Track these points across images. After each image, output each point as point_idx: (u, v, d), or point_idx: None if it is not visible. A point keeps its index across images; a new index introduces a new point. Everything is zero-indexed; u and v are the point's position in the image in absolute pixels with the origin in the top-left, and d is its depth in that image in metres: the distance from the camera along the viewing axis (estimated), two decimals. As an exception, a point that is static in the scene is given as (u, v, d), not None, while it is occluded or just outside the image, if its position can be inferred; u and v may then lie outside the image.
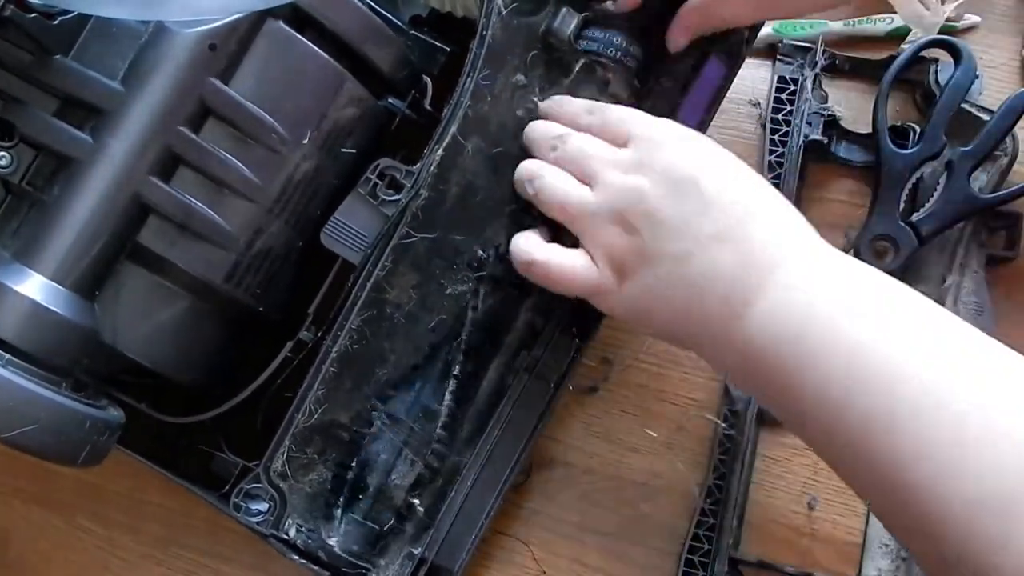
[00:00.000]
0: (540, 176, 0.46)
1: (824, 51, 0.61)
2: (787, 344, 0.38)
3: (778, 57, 0.62)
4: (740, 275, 0.40)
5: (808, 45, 0.62)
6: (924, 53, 0.59)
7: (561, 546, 0.55)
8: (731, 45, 0.52)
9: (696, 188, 0.41)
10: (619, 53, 0.50)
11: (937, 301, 0.54)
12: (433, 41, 0.53)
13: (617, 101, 0.51)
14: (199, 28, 0.42)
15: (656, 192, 0.42)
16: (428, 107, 0.51)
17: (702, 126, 0.53)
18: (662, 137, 0.44)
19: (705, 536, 0.53)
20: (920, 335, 0.36)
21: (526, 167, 0.48)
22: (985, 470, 0.32)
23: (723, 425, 0.55)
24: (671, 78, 0.52)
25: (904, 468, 0.33)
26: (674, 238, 0.41)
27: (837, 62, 0.62)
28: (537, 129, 0.48)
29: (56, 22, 0.41)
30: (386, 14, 0.51)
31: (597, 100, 0.52)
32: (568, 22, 0.51)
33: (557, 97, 0.50)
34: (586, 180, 0.45)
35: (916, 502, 0.33)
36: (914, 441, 0.33)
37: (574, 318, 0.51)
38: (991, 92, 0.60)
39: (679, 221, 0.41)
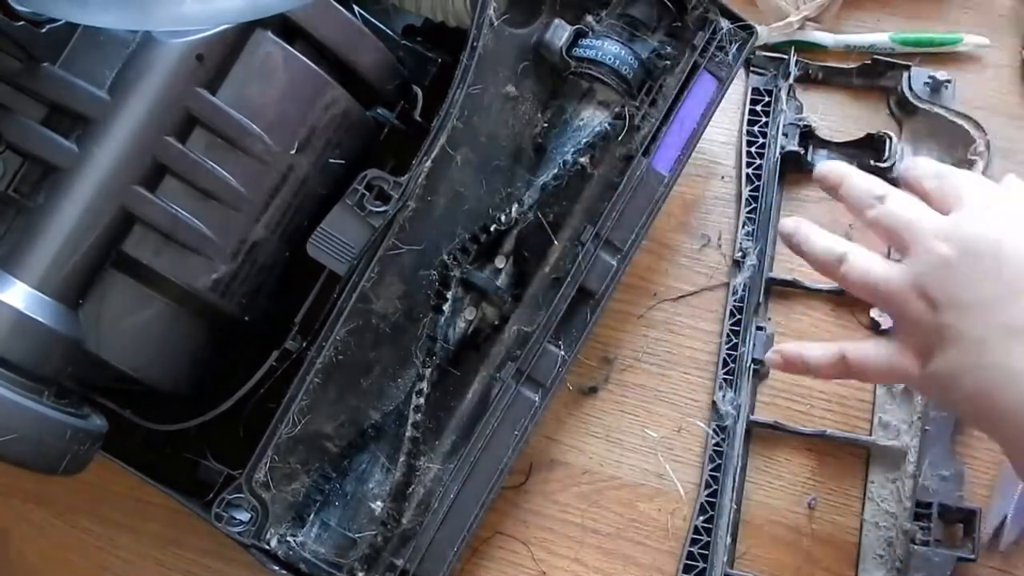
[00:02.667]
0: (845, 258, 0.43)
1: (797, 61, 0.60)
2: None
3: (752, 69, 0.61)
4: None
5: (780, 56, 0.61)
6: (897, 60, 0.59)
7: (561, 546, 0.55)
8: (723, 60, 0.52)
9: (996, 264, 0.37)
10: (614, 62, 0.50)
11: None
12: (425, 51, 0.53)
13: (609, 111, 0.51)
14: (186, 39, 0.42)
15: (960, 264, 0.38)
16: (418, 118, 0.51)
17: (692, 139, 0.52)
18: (988, 202, 0.40)
19: (699, 554, 0.53)
20: None
21: (830, 245, 0.44)
22: None
23: (712, 440, 0.55)
24: (663, 91, 0.52)
25: None
26: (969, 321, 0.38)
27: (810, 71, 0.61)
28: (858, 185, 0.44)
29: (44, 30, 0.41)
30: (378, 24, 0.51)
31: (589, 111, 0.52)
32: (560, 34, 0.51)
33: (914, 159, 0.47)
34: (900, 248, 0.41)
35: None
36: None
37: (561, 327, 0.51)
38: (992, 92, 0.60)
39: (975, 301, 0.38)
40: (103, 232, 0.42)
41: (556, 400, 0.57)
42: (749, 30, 0.53)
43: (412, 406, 0.48)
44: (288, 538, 0.47)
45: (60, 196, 0.41)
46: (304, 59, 0.45)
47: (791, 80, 0.59)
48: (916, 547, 0.51)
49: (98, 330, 0.43)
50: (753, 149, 0.59)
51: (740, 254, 0.57)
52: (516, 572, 0.55)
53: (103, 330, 0.43)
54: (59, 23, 0.41)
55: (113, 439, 0.47)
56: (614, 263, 0.51)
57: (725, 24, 0.52)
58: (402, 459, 0.49)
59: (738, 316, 0.56)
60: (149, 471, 0.49)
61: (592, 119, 0.51)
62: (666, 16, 0.52)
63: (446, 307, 0.49)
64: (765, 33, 0.60)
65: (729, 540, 0.53)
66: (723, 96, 0.53)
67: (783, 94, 0.59)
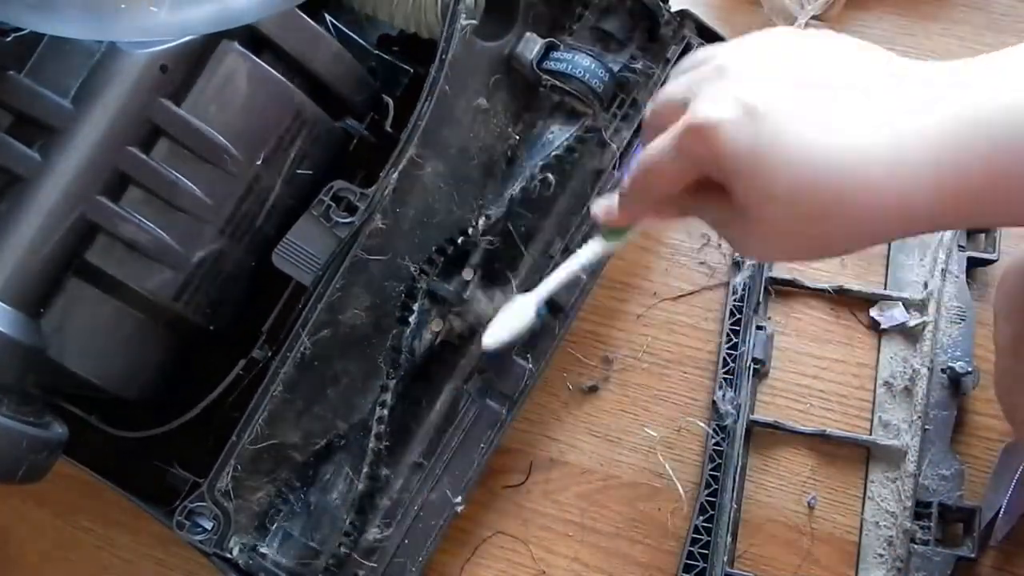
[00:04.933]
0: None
1: None
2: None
3: None
4: None
5: None
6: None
7: (561, 546, 0.55)
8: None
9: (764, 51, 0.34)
10: (585, 76, 0.50)
11: (919, 307, 0.55)
12: (397, 62, 0.53)
13: (580, 125, 0.51)
14: (151, 49, 0.42)
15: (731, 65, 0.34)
16: (389, 129, 0.51)
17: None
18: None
19: (699, 554, 0.53)
20: None
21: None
22: None
23: (712, 440, 0.55)
24: (634, 105, 0.52)
25: None
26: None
27: None
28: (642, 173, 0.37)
29: (9, 39, 0.41)
30: (350, 34, 0.52)
31: (562, 125, 0.52)
32: (531, 47, 0.51)
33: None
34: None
35: None
36: None
37: (529, 341, 0.51)
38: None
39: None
40: (65, 241, 0.42)
41: (556, 400, 0.57)
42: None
43: (376, 417, 0.48)
44: (251, 547, 0.47)
45: (22, 205, 0.41)
46: (271, 70, 0.45)
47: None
48: (916, 546, 0.51)
49: (61, 338, 0.43)
50: None
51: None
52: (516, 571, 0.55)
53: (66, 338, 0.44)
54: (25, 32, 0.41)
55: (82, 446, 0.47)
56: (584, 277, 0.51)
57: (696, 42, 0.51)
58: (366, 470, 0.49)
59: (738, 315, 0.57)
60: (118, 477, 0.49)
61: (562, 132, 0.51)
62: (639, 30, 0.52)
63: (412, 319, 0.49)
64: None
65: (729, 539, 0.53)
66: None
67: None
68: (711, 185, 0.34)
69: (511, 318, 0.40)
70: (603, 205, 0.39)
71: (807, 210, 0.31)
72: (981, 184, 0.31)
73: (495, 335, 0.40)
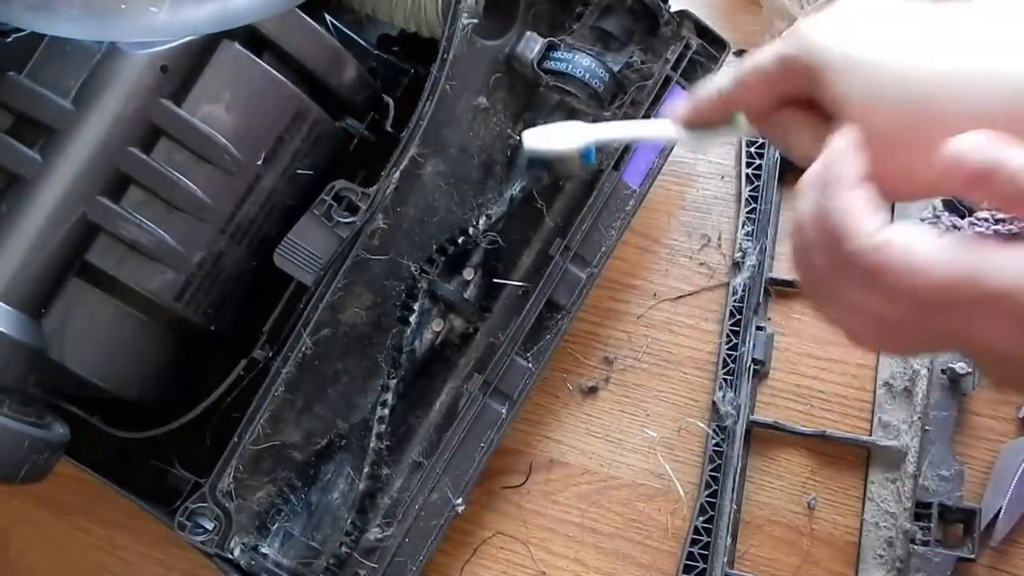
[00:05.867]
0: None
1: None
2: None
3: None
4: None
5: None
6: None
7: (560, 546, 0.55)
8: (695, 74, 0.52)
9: None
10: (585, 75, 0.50)
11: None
12: (398, 62, 0.53)
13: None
14: (151, 49, 0.42)
15: None
16: (389, 128, 0.51)
17: (663, 154, 0.52)
18: None
19: (699, 554, 0.53)
20: None
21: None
22: None
23: (712, 441, 0.55)
24: (634, 105, 0.52)
25: None
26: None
27: None
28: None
29: (10, 39, 0.41)
30: (350, 34, 0.52)
31: (561, 122, 0.52)
32: (532, 46, 0.51)
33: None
34: None
35: None
36: None
37: (529, 340, 0.51)
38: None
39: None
40: (66, 242, 0.42)
41: (556, 400, 0.57)
42: (722, 44, 0.53)
43: (376, 417, 0.48)
44: (252, 547, 0.47)
45: (23, 206, 0.41)
46: (271, 71, 0.45)
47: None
48: (916, 547, 0.51)
49: (62, 339, 0.43)
50: (753, 149, 0.59)
51: (740, 254, 0.57)
52: (516, 572, 0.55)
53: (67, 339, 0.44)
54: (25, 32, 0.41)
55: (83, 446, 0.47)
56: (583, 276, 0.51)
57: (695, 43, 0.51)
58: (367, 470, 0.49)
59: (738, 316, 0.57)
60: (119, 477, 0.49)
61: (563, 132, 0.51)
62: (639, 29, 0.52)
63: (413, 318, 0.49)
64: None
65: (729, 540, 0.53)
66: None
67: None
68: (799, 105, 0.33)
69: (559, 133, 0.38)
70: (680, 104, 0.37)
71: (905, 109, 0.30)
72: None
73: (538, 137, 0.38)
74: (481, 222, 0.50)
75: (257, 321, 0.50)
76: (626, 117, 0.52)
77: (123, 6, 0.40)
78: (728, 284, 0.58)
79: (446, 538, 0.52)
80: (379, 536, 0.49)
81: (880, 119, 0.31)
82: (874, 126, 0.31)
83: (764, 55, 0.34)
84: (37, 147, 0.42)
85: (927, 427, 0.53)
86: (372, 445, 0.49)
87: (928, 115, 0.30)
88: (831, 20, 0.32)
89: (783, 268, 0.58)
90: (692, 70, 0.52)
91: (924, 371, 0.53)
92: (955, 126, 0.28)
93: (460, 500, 0.50)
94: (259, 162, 0.45)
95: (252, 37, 0.45)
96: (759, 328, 0.56)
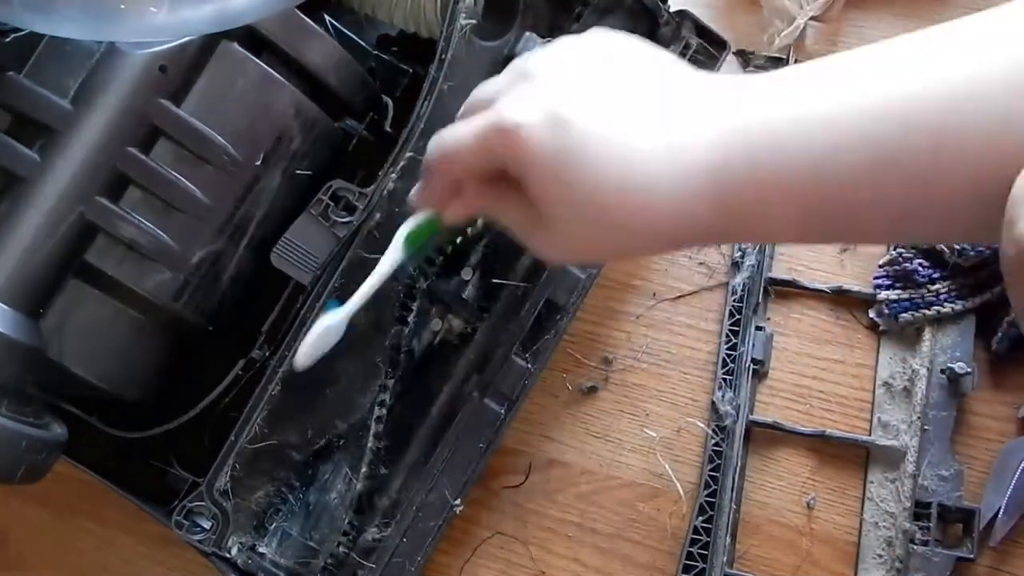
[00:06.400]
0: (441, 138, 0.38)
1: (796, 61, 0.60)
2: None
3: (749, 69, 0.61)
4: None
5: (780, 56, 0.61)
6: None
7: (560, 546, 0.55)
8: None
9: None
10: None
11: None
12: (396, 62, 0.53)
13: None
14: (150, 49, 0.42)
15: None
16: (388, 128, 0.51)
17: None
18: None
19: (699, 554, 0.53)
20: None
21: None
22: None
23: (712, 440, 0.55)
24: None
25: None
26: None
27: None
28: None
29: (9, 39, 0.41)
30: (349, 35, 0.52)
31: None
32: (531, 47, 0.50)
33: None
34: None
35: None
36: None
37: (528, 340, 0.51)
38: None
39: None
40: (65, 242, 0.42)
41: (556, 400, 0.57)
42: (722, 44, 0.53)
43: (375, 417, 0.49)
44: (249, 547, 0.47)
45: (22, 205, 0.41)
46: (270, 71, 0.45)
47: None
48: (915, 547, 0.51)
49: (60, 338, 0.43)
50: None
51: (739, 254, 0.57)
52: (515, 572, 0.55)
53: (65, 338, 0.44)
54: (24, 32, 0.41)
55: (82, 446, 0.47)
56: (582, 276, 0.51)
57: (695, 42, 0.51)
58: (365, 470, 0.49)
59: (737, 316, 0.57)
60: (118, 477, 0.49)
61: (561, 132, 0.51)
62: (638, 30, 0.52)
63: (411, 318, 0.49)
64: (777, 42, 0.61)
65: (729, 540, 0.53)
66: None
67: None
68: (509, 182, 0.34)
69: (321, 337, 0.40)
70: (415, 189, 0.39)
71: (601, 215, 0.32)
72: (753, 197, 0.31)
73: (307, 355, 0.39)
74: (480, 222, 0.50)
75: (255, 321, 0.50)
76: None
77: (122, 6, 0.40)
78: (727, 284, 0.58)
79: (445, 538, 0.52)
80: (377, 536, 0.49)
81: (577, 239, 0.34)
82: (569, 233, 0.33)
83: (465, 143, 0.34)
84: (36, 147, 0.42)
85: (926, 427, 0.53)
86: (370, 445, 0.49)
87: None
88: (541, 118, 0.32)
89: (782, 268, 0.58)
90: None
91: (924, 371, 0.53)
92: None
93: (459, 500, 0.50)
94: (258, 162, 0.45)
95: (251, 37, 0.45)
96: (758, 328, 0.56)
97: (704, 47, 0.52)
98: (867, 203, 0.31)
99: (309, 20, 0.46)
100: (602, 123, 0.32)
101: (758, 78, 0.33)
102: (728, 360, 0.56)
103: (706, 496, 0.54)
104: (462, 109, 0.38)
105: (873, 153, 0.30)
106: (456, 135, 0.35)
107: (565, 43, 0.35)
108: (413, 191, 0.39)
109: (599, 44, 0.34)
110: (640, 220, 0.32)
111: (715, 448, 0.55)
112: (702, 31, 0.53)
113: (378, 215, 0.47)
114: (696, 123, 0.32)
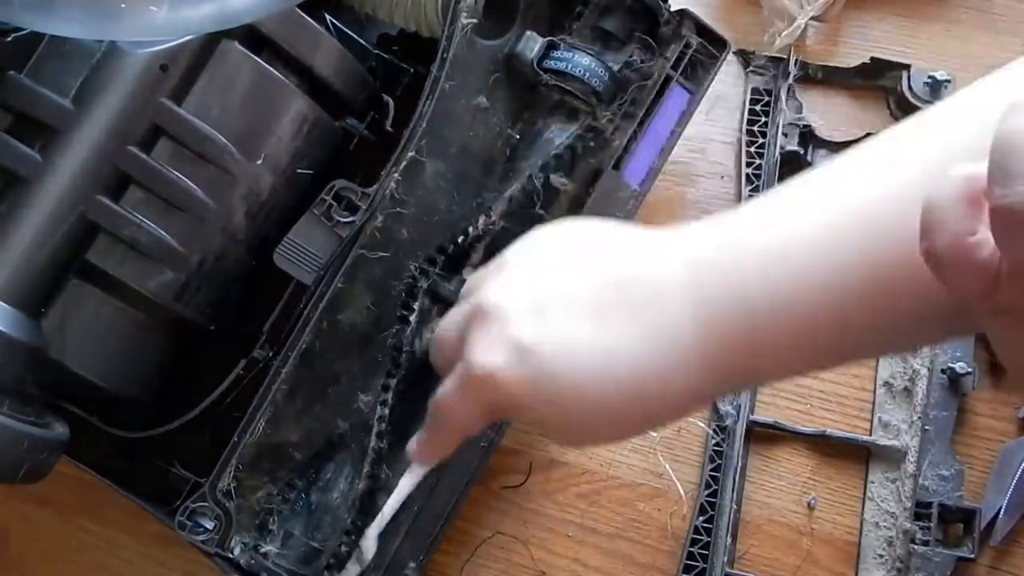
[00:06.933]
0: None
1: (796, 60, 0.60)
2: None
3: (750, 69, 0.62)
4: None
5: (780, 56, 0.61)
6: (897, 60, 0.59)
7: (560, 546, 0.55)
8: (695, 73, 0.52)
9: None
10: (585, 75, 0.50)
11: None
12: (397, 61, 0.53)
13: (580, 124, 0.51)
14: (151, 49, 0.42)
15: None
16: (389, 128, 0.51)
17: (664, 153, 0.52)
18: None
19: (699, 554, 0.53)
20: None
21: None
22: None
23: (712, 440, 0.55)
24: (634, 104, 0.52)
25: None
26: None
27: (810, 71, 0.61)
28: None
29: (9, 39, 0.41)
30: (350, 34, 0.52)
31: (561, 124, 0.52)
32: (531, 46, 0.51)
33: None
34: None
35: None
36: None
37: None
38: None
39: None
40: (66, 241, 0.42)
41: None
42: (722, 44, 0.53)
43: (377, 416, 0.48)
44: (252, 547, 0.47)
45: (23, 205, 0.41)
46: (271, 70, 0.45)
47: (791, 80, 0.60)
48: (916, 547, 0.51)
49: (61, 338, 0.43)
50: (753, 149, 0.59)
51: None
52: (516, 572, 0.55)
53: (66, 338, 0.44)
54: (25, 32, 0.41)
55: (83, 446, 0.47)
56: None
57: (695, 42, 0.51)
58: (367, 469, 0.49)
59: None
60: (119, 477, 0.49)
61: (562, 132, 0.51)
62: (639, 29, 0.52)
63: (413, 318, 0.49)
64: (778, 42, 0.61)
65: (729, 540, 0.53)
66: (695, 109, 0.53)
67: (783, 94, 0.59)
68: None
69: (360, 556, 0.47)
70: (415, 442, 0.41)
71: (598, 419, 0.34)
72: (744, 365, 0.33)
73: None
74: (481, 221, 0.50)
75: (257, 321, 0.50)
76: (626, 116, 0.52)
77: (123, 6, 0.40)
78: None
79: (446, 538, 0.52)
80: (380, 537, 0.49)
81: (589, 437, 0.36)
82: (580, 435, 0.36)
83: (456, 400, 0.36)
84: (37, 146, 0.42)
85: (927, 427, 0.53)
86: (372, 445, 0.49)
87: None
88: (509, 356, 0.33)
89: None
90: (692, 69, 0.52)
91: (924, 371, 0.54)
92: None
93: (459, 500, 0.50)
94: (259, 162, 0.45)
95: (252, 36, 0.45)
96: (759, 327, 0.56)
97: (704, 47, 0.52)
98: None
99: (310, 19, 0.46)
100: (567, 338, 0.33)
101: (712, 235, 0.34)
102: (729, 360, 0.56)
103: (707, 496, 0.54)
104: (434, 344, 0.41)
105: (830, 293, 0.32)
106: (445, 392, 0.37)
107: (515, 259, 0.37)
108: (413, 444, 0.41)
109: (546, 248, 0.36)
110: (640, 411, 0.34)
111: (716, 448, 0.55)
112: (702, 30, 0.53)
113: (380, 215, 0.47)
114: (668, 308, 0.33)
